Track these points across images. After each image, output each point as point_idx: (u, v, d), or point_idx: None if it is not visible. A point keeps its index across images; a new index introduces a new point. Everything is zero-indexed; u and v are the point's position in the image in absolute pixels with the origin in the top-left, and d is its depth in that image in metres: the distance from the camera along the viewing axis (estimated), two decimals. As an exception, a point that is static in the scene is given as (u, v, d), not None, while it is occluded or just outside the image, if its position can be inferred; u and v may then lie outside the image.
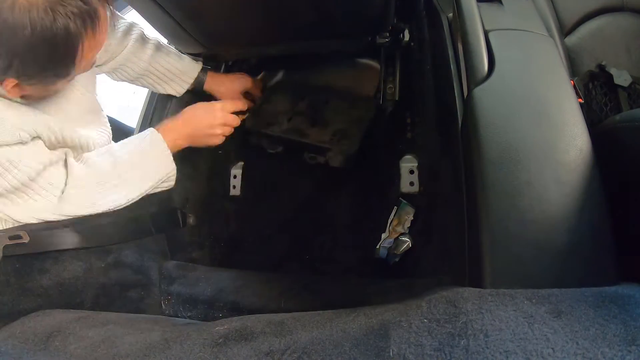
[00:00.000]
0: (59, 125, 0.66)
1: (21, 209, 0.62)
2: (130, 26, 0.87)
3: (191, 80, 0.94)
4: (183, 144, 0.79)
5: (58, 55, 0.56)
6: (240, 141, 1.04)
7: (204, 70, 0.95)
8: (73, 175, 0.65)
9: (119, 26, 0.85)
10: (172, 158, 0.75)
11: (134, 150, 0.74)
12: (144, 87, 0.96)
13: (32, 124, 0.62)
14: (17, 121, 0.60)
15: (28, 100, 0.63)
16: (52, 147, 0.66)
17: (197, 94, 0.98)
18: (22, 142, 0.60)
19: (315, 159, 0.96)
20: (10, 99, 0.61)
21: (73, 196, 0.64)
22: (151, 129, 0.76)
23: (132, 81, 0.94)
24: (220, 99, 0.98)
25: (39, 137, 0.63)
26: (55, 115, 0.66)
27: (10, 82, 0.57)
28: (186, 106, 1.01)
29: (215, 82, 0.97)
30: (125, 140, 0.76)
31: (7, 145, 0.59)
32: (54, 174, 0.64)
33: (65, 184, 0.64)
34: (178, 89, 0.95)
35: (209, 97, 1.00)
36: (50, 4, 0.52)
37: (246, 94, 1.03)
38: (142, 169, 0.72)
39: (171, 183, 0.77)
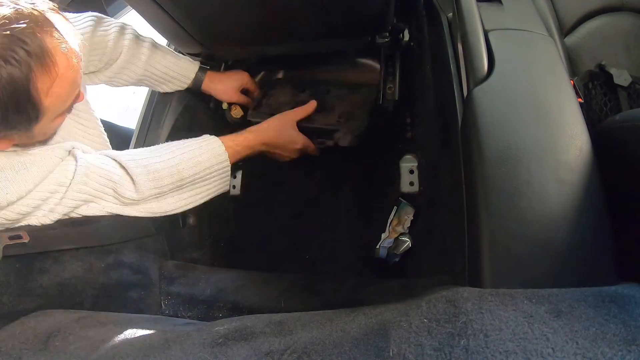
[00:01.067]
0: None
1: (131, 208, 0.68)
2: (122, 29, 0.85)
3: (189, 81, 0.95)
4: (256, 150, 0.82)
5: (13, 103, 0.53)
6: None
7: (202, 70, 0.95)
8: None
9: (109, 30, 0.83)
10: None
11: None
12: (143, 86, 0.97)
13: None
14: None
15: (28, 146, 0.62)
16: None
17: (196, 93, 0.99)
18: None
19: (324, 143, 0.94)
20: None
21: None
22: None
23: (126, 85, 0.94)
24: (217, 97, 0.99)
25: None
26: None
27: None
28: (186, 108, 1.01)
29: (212, 81, 0.97)
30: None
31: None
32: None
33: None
34: (176, 89, 0.96)
35: (207, 96, 1.00)
36: None
37: (245, 91, 1.03)
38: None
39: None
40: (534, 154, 0.46)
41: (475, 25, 0.57)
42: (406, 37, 0.93)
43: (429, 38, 0.78)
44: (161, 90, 0.97)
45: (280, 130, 0.84)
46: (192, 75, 0.94)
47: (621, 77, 0.89)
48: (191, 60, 0.95)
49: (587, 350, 0.31)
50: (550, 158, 0.45)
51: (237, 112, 1.03)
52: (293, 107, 0.96)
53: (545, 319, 0.34)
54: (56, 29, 0.54)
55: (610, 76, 0.90)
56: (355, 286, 0.70)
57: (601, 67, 0.91)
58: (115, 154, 0.68)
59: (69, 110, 0.63)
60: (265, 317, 0.49)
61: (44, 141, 0.64)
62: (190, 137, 0.76)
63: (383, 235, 0.84)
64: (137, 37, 0.87)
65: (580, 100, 0.86)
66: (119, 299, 0.70)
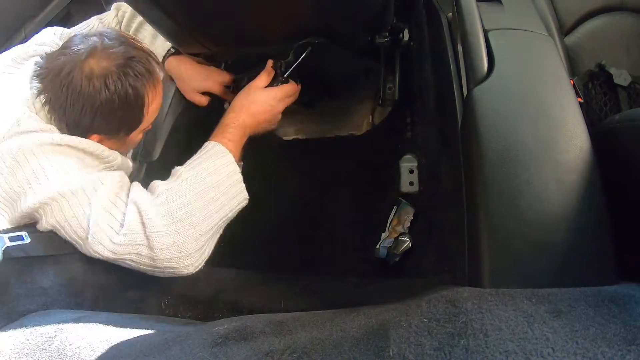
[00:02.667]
0: None
1: None
2: (119, 5, 0.90)
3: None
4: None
5: (131, 109, 0.67)
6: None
7: (169, 54, 0.92)
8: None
9: (107, 20, 0.89)
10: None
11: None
12: None
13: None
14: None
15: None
16: None
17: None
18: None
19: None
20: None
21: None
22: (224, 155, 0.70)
23: None
24: (177, 86, 0.95)
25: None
26: None
27: (95, 137, 0.67)
28: (186, 108, 1.00)
29: (176, 70, 0.93)
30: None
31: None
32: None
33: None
34: None
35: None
36: (120, 69, 0.64)
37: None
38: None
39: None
40: (534, 154, 0.46)
41: (475, 25, 0.57)
42: (406, 36, 0.93)
43: (429, 38, 0.78)
44: None
45: (262, 100, 0.79)
46: (160, 58, 0.91)
47: (621, 77, 0.89)
48: (165, 43, 0.92)
49: (587, 350, 0.31)
50: (550, 158, 0.45)
51: None
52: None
53: (545, 319, 0.34)
54: (154, 59, 0.71)
55: (610, 76, 0.90)
56: (355, 286, 0.70)
57: (601, 67, 0.92)
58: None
59: (147, 129, 0.76)
60: (265, 317, 0.49)
61: (123, 152, 0.76)
62: (190, 137, 0.76)
63: (383, 235, 0.84)
64: (133, 12, 0.89)
65: (580, 100, 0.86)
66: (119, 299, 0.70)
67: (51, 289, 0.62)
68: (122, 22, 0.91)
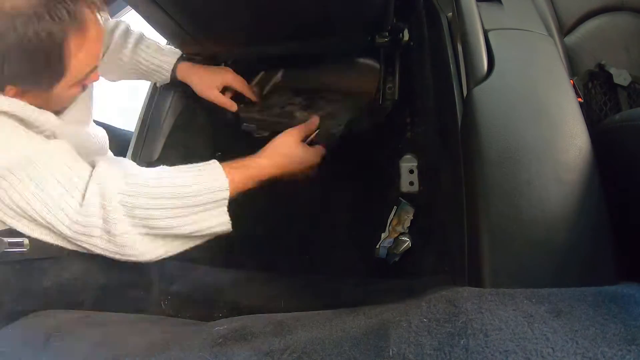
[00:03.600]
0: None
1: None
2: (116, 24, 0.88)
3: (170, 70, 0.93)
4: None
5: (47, 58, 0.57)
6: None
7: (181, 60, 0.94)
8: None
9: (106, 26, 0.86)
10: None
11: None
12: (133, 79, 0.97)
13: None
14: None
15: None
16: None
17: (194, 94, 0.98)
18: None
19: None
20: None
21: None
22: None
23: (120, 78, 0.95)
24: (195, 90, 0.95)
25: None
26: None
27: (9, 89, 0.59)
28: (186, 108, 1.00)
29: (188, 73, 0.94)
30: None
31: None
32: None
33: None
34: (162, 81, 0.96)
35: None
36: (35, 9, 0.54)
37: (231, 91, 1.00)
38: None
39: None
40: (534, 154, 0.46)
41: (475, 25, 0.57)
42: (406, 36, 0.93)
43: (429, 38, 0.78)
44: (157, 83, 0.97)
45: (290, 155, 0.77)
46: (173, 63, 0.93)
47: (621, 77, 0.89)
48: (175, 50, 0.94)
49: (587, 350, 0.31)
50: (550, 158, 0.45)
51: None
52: (284, 107, 0.95)
53: (545, 319, 0.34)
54: (93, 2, 0.59)
55: (610, 76, 0.90)
56: (355, 286, 0.70)
57: (601, 67, 0.91)
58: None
59: (84, 84, 0.66)
60: (265, 317, 0.49)
61: (56, 112, 0.66)
62: (190, 137, 0.76)
63: (383, 235, 0.84)
64: (127, 30, 0.89)
65: (580, 100, 0.86)
66: (119, 299, 0.70)
67: (51, 289, 0.62)
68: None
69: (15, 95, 0.59)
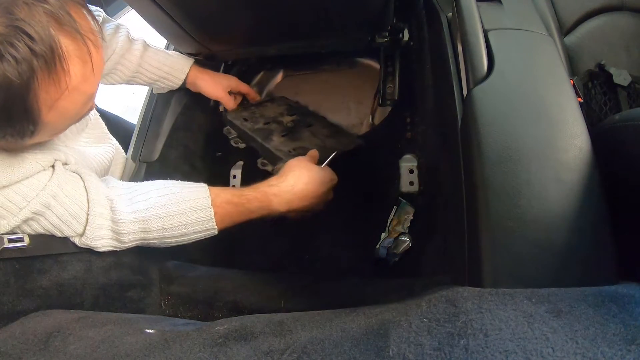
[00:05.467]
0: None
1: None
2: (117, 28, 0.87)
3: (183, 76, 0.94)
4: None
5: (6, 111, 0.42)
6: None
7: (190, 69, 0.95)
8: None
9: (106, 30, 0.85)
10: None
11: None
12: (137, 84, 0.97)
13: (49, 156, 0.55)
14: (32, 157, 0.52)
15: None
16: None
17: (193, 94, 0.99)
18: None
19: (266, 164, 0.96)
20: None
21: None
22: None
23: (124, 82, 0.94)
24: (203, 89, 0.97)
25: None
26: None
27: None
28: (186, 108, 1.00)
29: (200, 73, 0.96)
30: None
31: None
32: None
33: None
34: (170, 87, 0.96)
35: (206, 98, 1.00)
36: None
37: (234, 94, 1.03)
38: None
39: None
40: (533, 154, 0.46)
41: (475, 24, 0.57)
42: (406, 36, 0.93)
43: (429, 38, 0.78)
44: (155, 90, 0.97)
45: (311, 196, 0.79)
46: (187, 70, 0.94)
47: (621, 77, 0.89)
48: (185, 57, 0.94)
49: (587, 350, 0.31)
50: (550, 157, 0.45)
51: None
52: (268, 123, 0.97)
53: (545, 319, 0.34)
54: (76, 27, 0.41)
55: (610, 76, 0.90)
56: (355, 286, 0.70)
57: (601, 67, 0.92)
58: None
59: (75, 122, 0.53)
60: (265, 317, 0.49)
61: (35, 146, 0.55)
62: (190, 137, 0.75)
63: (383, 235, 0.84)
64: (129, 36, 0.89)
65: (580, 99, 0.86)
66: (119, 299, 0.70)
67: (51, 289, 0.62)
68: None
69: None
